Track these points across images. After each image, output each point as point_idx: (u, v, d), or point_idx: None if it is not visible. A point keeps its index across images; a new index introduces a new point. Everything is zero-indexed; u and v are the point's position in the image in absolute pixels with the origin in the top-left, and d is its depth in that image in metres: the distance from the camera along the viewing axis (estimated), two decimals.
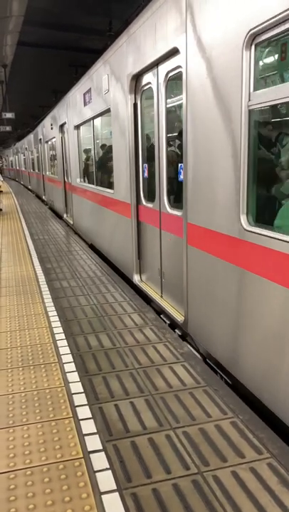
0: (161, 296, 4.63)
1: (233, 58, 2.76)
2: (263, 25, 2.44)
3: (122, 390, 2.91)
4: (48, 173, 15.10)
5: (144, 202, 5.00)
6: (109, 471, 2.15)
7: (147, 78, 4.56)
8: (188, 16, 3.32)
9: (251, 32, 2.55)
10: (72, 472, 2.15)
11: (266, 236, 2.58)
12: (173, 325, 4.23)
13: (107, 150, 6.97)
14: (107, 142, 6.64)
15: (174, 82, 3.96)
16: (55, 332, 3.93)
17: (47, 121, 13.64)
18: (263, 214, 2.88)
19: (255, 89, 2.66)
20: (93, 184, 7.72)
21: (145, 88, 4.71)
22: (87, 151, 8.54)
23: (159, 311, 4.54)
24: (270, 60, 2.87)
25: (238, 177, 2.84)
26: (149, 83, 4.52)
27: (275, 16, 2.31)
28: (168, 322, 4.32)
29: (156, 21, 3.96)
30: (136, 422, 2.55)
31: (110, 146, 6.25)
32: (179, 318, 4.01)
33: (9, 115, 19.82)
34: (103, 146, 7.45)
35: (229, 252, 3.02)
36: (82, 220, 9.03)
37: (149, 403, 2.75)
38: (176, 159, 4.20)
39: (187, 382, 2.98)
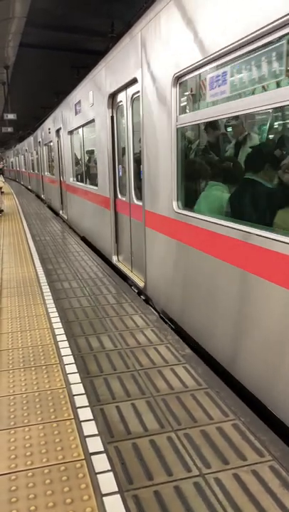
0: (132, 271, 5.77)
1: (167, 91, 3.91)
2: (182, 72, 3.58)
3: (124, 392, 2.90)
4: (46, 173, 16.19)
5: (119, 196, 6.10)
6: (111, 473, 2.14)
7: (120, 97, 5.68)
8: (143, 56, 4.46)
9: (176, 75, 3.72)
10: (73, 474, 2.15)
11: (188, 216, 3.70)
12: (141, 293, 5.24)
13: (92, 153, 8.24)
14: (93, 147, 7.88)
15: (138, 102, 4.86)
16: (56, 333, 3.92)
17: (45, 125, 14.85)
18: (188, 201, 3.95)
19: (180, 113, 3.81)
20: (82, 182, 8.95)
21: (119, 104, 5.78)
22: (77, 154, 9.66)
23: (140, 290, 5.31)
24: (186, 94, 3.95)
25: (171, 175, 3.97)
26: (121, 101, 5.65)
27: (188, 67, 3.46)
28: (136, 291, 5.31)
29: (124, 55, 5.12)
30: (137, 423, 2.55)
31: (92, 150, 7.83)
32: (141, 284, 5.14)
33: (11, 116, 19.87)
34: (89, 150, 8.64)
35: (168, 229, 4.17)
36: (74, 215, 10.24)
37: (151, 405, 2.74)
38: (139, 162, 5.08)
39: (189, 384, 2.98)
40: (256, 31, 2.54)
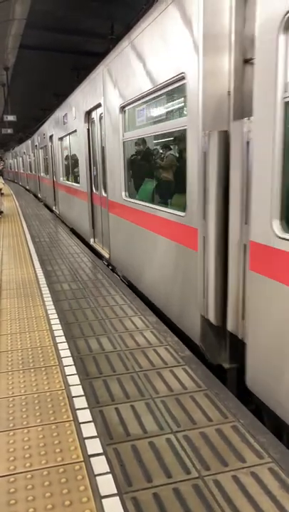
0: (102, 248, 7.34)
1: (117, 115, 5.68)
2: (124, 104, 5.35)
3: (123, 394, 2.90)
4: (42, 174, 17.92)
5: (94, 190, 7.85)
6: (110, 475, 2.14)
7: (92, 115, 7.45)
8: (104, 88, 6.23)
9: (121, 105, 5.45)
10: (72, 476, 2.15)
11: (130, 201, 5.40)
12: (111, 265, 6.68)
13: (75, 157, 9.92)
14: (76, 152, 9.70)
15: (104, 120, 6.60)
16: (55, 335, 3.92)
17: (41, 130, 16.89)
18: (131, 191, 5.71)
19: (124, 131, 5.60)
20: (68, 181, 10.86)
21: (93, 120, 7.50)
22: (65, 157, 11.62)
23: (108, 262, 6.83)
24: (127, 118, 5.63)
25: (122, 173, 5.74)
26: (93, 118, 7.40)
27: (126, 101, 5.19)
28: (106, 263, 6.88)
29: (93, 85, 6.93)
30: (136, 425, 2.55)
31: (76, 155, 9.80)
32: (107, 256, 6.82)
33: (11, 118, 19.90)
34: (73, 155, 10.27)
35: (120, 212, 5.89)
36: (64, 209, 11.98)
37: (150, 407, 2.74)
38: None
39: (188, 386, 2.98)
40: (149, 89, 4.41)
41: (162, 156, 5.01)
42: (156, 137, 5.01)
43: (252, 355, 2.90)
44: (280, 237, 2.53)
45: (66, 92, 10.89)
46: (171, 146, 4.85)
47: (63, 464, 2.23)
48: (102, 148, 6.78)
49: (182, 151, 4.13)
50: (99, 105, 6.66)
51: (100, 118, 6.78)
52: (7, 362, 3.41)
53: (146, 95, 4.58)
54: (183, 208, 3.80)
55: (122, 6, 10.95)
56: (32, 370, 3.26)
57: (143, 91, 4.56)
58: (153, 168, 5.37)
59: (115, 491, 2.03)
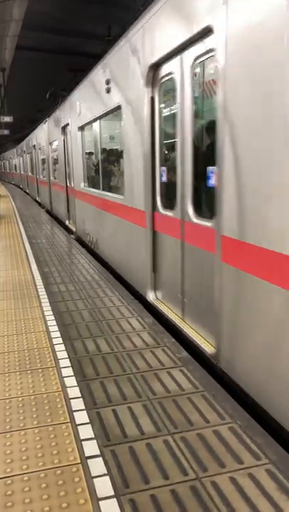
0: (75, 228, 9.65)
1: (77, 133, 8.33)
2: (81, 125, 7.98)
3: (120, 395, 2.90)
4: (37, 174, 19.79)
5: (68, 183, 10.35)
6: (107, 477, 2.13)
7: (67, 129, 9.77)
8: (70, 113, 8.85)
9: (78, 126, 8.13)
10: (69, 478, 2.14)
11: (87, 189, 8.00)
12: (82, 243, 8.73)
13: (57, 158, 12.55)
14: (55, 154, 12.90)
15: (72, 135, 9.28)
16: (52, 336, 3.91)
17: (28, 139, 20.70)
18: (88, 182, 8.23)
19: (82, 145, 8.23)
20: (53, 178, 13.41)
21: (67, 132, 9.91)
22: (54, 159, 14.04)
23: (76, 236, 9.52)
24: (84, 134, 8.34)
25: (83, 169, 8.33)
26: (69, 131, 9.56)
27: (81, 124, 7.96)
28: (72, 236, 9.63)
29: (64, 109, 9.88)
30: (134, 427, 2.54)
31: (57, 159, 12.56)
32: (74, 229, 9.68)
33: (7, 119, 19.84)
34: (55, 159, 13.03)
35: (81, 197, 8.49)
36: (54, 202, 13.96)
37: (147, 408, 2.74)
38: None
39: (185, 387, 2.97)
40: (93, 118, 6.86)
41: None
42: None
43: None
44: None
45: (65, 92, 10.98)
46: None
47: (60, 466, 2.23)
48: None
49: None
50: (67, 124, 9.48)
51: (69, 133, 9.55)
52: (4, 363, 3.40)
53: (94, 120, 7.00)
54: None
55: (119, 7, 10.96)
56: (29, 372, 3.25)
57: (94, 116, 6.76)
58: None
59: (112, 493, 2.03)
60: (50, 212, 14.34)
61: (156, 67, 4.10)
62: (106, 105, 5.86)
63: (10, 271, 6.38)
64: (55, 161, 12.70)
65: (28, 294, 5.21)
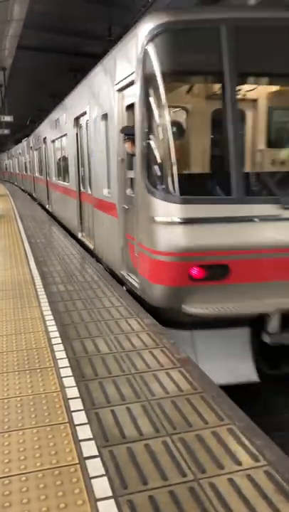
0: (52, 212, 13.37)
1: (50, 144, 13.24)
2: (53, 138, 12.27)
3: (119, 396, 2.89)
4: (35, 173, 20.70)
5: (48, 178, 13.80)
6: (105, 478, 2.13)
7: (46, 140, 13.58)
8: (46, 129, 13.84)
9: (51, 140, 12.65)
10: (67, 478, 2.14)
11: (57, 180, 12.11)
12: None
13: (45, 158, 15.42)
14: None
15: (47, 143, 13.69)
16: (51, 336, 3.91)
17: (25, 141, 23.10)
18: (58, 176, 11.92)
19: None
20: (46, 176, 15.51)
21: (46, 142, 13.77)
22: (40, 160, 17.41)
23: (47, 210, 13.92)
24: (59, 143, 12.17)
25: (54, 165, 12.78)
26: (46, 138, 13.22)
27: (54, 137, 11.96)
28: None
29: (44, 125, 14.46)
30: (132, 427, 2.54)
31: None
32: (49, 208, 14.42)
33: (8, 118, 19.84)
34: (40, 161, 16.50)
35: (52, 187, 13.36)
36: (46, 197, 15.73)
37: (146, 409, 2.73)
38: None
39: (184, 388, 2.97)
40: (60, 135, 10.84)
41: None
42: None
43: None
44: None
45: (63, 92, 10.99)
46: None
47: (58, 467, 2.22)
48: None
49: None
50: (44, 139, 12.90)
51: (45, 141, 12.90)
52: (2, 363, 3.40)
53: (59, 138, 10.66)
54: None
55: (120, 7, 10.96)
56: (27, 372, 3.24)
57: (57, 136, 10.79)
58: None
59: (110, 494, 2.02)
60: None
61: (77, 119, 8.46)
62: (61, 132, 10.61)
63: (9, 270, 6.37)
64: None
65: (27, 294, 5.20)
